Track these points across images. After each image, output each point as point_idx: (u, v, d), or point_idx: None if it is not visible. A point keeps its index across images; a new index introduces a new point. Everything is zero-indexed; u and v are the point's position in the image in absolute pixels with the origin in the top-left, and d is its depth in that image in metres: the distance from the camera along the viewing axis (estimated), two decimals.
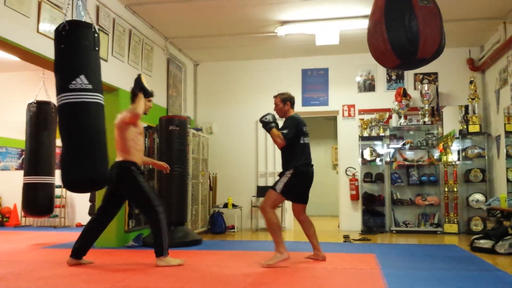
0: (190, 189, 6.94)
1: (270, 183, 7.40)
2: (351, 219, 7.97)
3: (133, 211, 6.06)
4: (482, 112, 7.60)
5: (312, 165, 4.70)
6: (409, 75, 8.03)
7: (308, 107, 8.33)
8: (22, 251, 5.59)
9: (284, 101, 4.78)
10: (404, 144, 7.83)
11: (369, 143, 8.03)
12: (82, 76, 3.52)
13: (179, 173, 6.16)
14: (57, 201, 6.91)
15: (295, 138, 4.56)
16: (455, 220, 7.37)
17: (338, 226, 8.22)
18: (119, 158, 4.46)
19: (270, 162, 8.28)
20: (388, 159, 7.88)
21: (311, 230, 4.72)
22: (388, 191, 7.82)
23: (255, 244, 6.49)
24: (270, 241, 6.71)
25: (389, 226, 7.71)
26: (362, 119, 8.02)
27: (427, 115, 7.69)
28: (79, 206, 8.90)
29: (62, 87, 3.51)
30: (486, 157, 7.48)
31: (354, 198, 7.98)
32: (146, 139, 6.46)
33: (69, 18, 4.94)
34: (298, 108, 8.12)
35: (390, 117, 7.91)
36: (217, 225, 7.62)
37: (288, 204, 8.16)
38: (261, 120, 4.64)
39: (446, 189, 7.48)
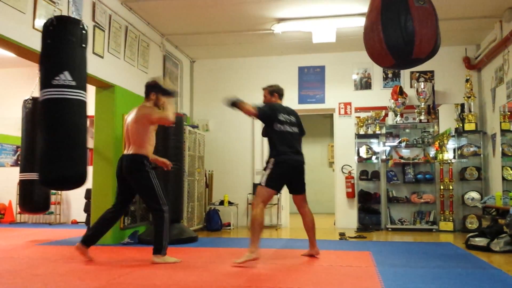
0: (186, 186, 6.93)
1: None
2: (347, 216, 7.99)
3: (128, 208, 6.05)
4: (478, 111, 7.62)
5: (298, 152, 4.61)
6: (405, 73, 8.04)
7: (305, 105, 8.33)
8: (17, 248, 5.57)
9: (271, 92, 4.79)
10: (400, 142, 7.84)
11: (365, 141, 8.05)
12: (66, 73, 3.49)
13: (175, 170, 6.14)
14: (52, 198, 6.88)
15: (269, 123, 4.55)
16: (451, 218, 7.39)
17: (334, 224, 8.23)
18: (130, 151, 4.48)
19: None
20: (384, 157, 7.90)
21: (310, 224, 4.69)
22: (384, 189, 7.84)
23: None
24: (265, 238, 6.72)
25: (384, 224, 7.73)
26: (359, 117, 8.03)
27: (423, 113, 7.70)
28: (74, 203, 8.87)
29: (45, 82, 3.49)
30: (482, 155, 7.50)
31: (350, 195, 7.99)
32: None
33: (65, 13, 4.94)
34: (295, 105, 8.11)
35: (386, 115, 7.92)
36: (213, 223, 7.62)
37: (284, 202, 8.19)
38: (228, 104, 4.52)
39: (442, 187, 7.50)
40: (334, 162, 8.59)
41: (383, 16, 3.03)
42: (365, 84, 8.17)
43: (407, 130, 7.97)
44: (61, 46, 3.57)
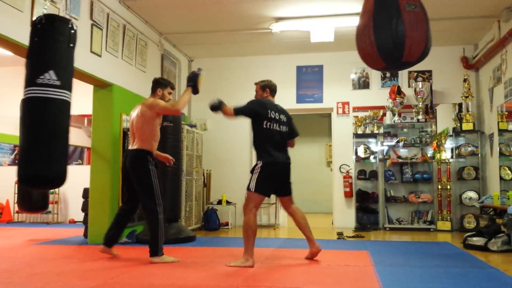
0: (184, 185, 6.93)
1: None
2: (345, 216, 7.99)
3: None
4: (475, 110, 7.63)
5: (285, 155, 4.46)
6: (403, 72, 8.04)
7: (303, 104, 8.32)
8: (15, 247, 5.56)
9: (263, 87, 4.61)
10: (398, 142, 7.85)
11: (363, 141, 8.05)
12: (52, 72, 3.46)
13: (173, 169, 6.14)
14: (50, 197, 6.88)
15: (254, 118, 4.38)
16: (448, 217, 7.40)
17: (332, 223, 8.24)
18: (135, 146, 4.52)
19: None
20: (382, 157, 7.90)
21: (302, 221, 4.53)
22: (381, 189, 7.84)
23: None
24: (263, 237, 6.73)
25: (382, 223, 7.73)
26: (356, 117, 8.03)
27: (421, 112, 7.71)
28: (72, 202, 8.86)
29: (29, 80, 3.47)
30: (479, 155, 7.51)
31: (348, 195, 8.00)
32: None
33: (63, 11, 4.93)
34: (293, 105, 8.13)
35: (384, 114, 7.93)
36: (211, 222, 7.62)
37: None
38: (211, 108, 4.42)
39: (440, 187, 7.51)
40: (332, 162, 8.60)
41: (375, 19, 3.06)
42: (363, 83, 8.17)
43: (405, 130, 7.97)
44: (48, 44, 3.54)
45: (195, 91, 4.59)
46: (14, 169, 6.27)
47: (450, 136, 7.64)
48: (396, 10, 2.98)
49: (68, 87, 3.60)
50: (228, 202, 7.86)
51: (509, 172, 6.65)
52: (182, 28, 7.26)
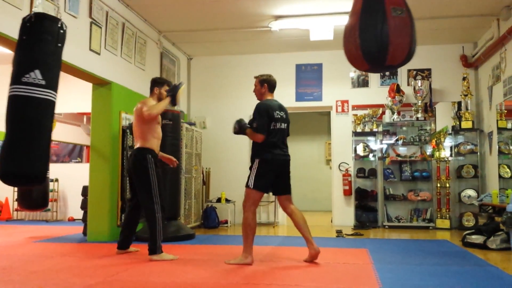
0: (183, 183, 6.93)
1: None
2: (344, 214, 7.99)
3: (125, 206, 6.04)
4: (474, 109, 7.63)
5: (284, 151, 4.38)
6: (402, 71, 8.04)
7: (302, 102, 8.32)
8: (14, 245, 5.56)
9: (262, 82, 4.51)
10: (397, 140, 7.85)
11: (362, 139, 8.05)
12: (37, 71, 3.46)
13: (172, 167, 6.13)
14: (49, 195, 6.87)
15: (268, 125, 4.30)
16: (447, 215, 7.41)
17: (331, 221, 8.24)
18: (137, 145, 4.62)
19: None
20: (381, 155, 7.90)
21: (300, 222, 4.37)
22: (380, 187, 7.85)
23: None
24: (262, 235, 6.73)
25: (381, 221, 7.74)
26: (356, 115, 8.03)
27: (420, 111, 7.71)
28: (71, 200, 8.86)
29: (15, 79, 3.47)
30: (479, 153, 7.52)
31: (347, 193, 8.00)
32: None
33: (61, 9, 4.93)
34: (292, 103, 8.13)
35: (383, 112, 7.93)
36: (210, 220, 7.62)
37: None
38: (235, 133, 4.45)
39: (439, 185, 7.51)
40: (331, 160, 8.60)
41: (361, 22, 3.13)
42: (362, 82, 8.17)
43: (404, 128, 7.97)
44: (35, 44, 3.53)
45: (173, 101, 4.64)
46: None
47: (449, 134, 7.64)
48: (382, 15, 3.05)
49: (53, 87, 3.59)
50: (227, 200, 7.86)
51: (508, 170, 6.66)
52: (181, 26, 7.25)
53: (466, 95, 7.51)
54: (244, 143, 8.35)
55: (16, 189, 7.70)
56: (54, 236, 6.36)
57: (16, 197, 7.93)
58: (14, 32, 4.24)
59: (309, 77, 8.37)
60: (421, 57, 7.98)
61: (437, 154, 7.51)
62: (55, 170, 8.00)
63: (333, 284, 3.54)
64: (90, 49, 5.51)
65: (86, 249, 5.19)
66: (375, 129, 7.91)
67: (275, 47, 8.16)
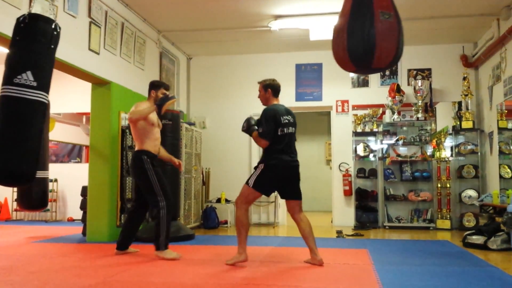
0: (183, 183, 6.92)
1: None
2: (344, 214, 7.98)
3: (125, 206, 6.03)
4: (475, 109, 7.62)
5: (292, 156, 4.30)
6: (402, 71, 8.03)
7: (302, 102, 8.31)
8: (13, 245, 5.55)
9: (266, 88, 4.45)
10: (397, 140, 7.84)
11: (363, 139, 8.04)
12: (29, 73, 3.45)
13: (171, 167, 6.11)
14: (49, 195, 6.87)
15: (275, 131, 4.24)
16: (448, 216, 7.39)
17: (331, 222, 8.23)
18: (136, 148, 4.73)
19: None
20: (381, 155, 7.89)
21: (307, 230, 4.24)
22: (381, 187, 7.83)
23: (248, 239, 6.46)
24: (262, 236, 6.73)
25: (382, 221, 7.72)
26: (356, 115, 8.02)
27: (420, 111, 7.70)
28: (70, 200, 8.85)
29: (7, 79, 3.47)
30: (479, 154, 7.50)
31: (347, 193, 7.99)
32: None
33: (60, 9, 4.91)
34: (292, 103, 8.11)
35: (383, 112, 7.92)
36: (210, 220, 7.61)
37: (281, 200, 8.16)
38: (243, 131, 4.43)
39: (439, 185, 7.50)
40: (331, 160, 8.59)
41: (350, 25, 3.17)
42: (362, 81, 8.16)
43: (405, 128, 7.96)
44: (28, 45, 3.52)
45: (159, 111, 4.65)
46: None
47: (450, 134, 7.63)
48: (370, 19, 3.09)
49: (45, 89, 3.58)
50: (227, 201, 7.85)
51: (508, 170, 6.64)
52: (180, 26, 7.23)
53: (466, 95, 7.50)
54: (244, 143, 8.34)
55: (15, 189, 7.68)
56: (53, 237, 6.35)
57: (15, 197, 7.91)
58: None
59: (309, 77, 8.36)
60: (421, 57, 7.98)
61: (437, 154, 7.50)
62: (54, 170, 7.98)
63: (333, 284, 3.53)
64: (89, 49, 5.50)
65: (85, 249, 5.18)
66: (375, 129, 7.90)
67: (275, 47, 8.15)
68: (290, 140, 4.31)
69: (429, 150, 7.69)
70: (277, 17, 6.79)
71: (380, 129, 7.89)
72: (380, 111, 7.92)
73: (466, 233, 5.64)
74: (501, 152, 6.75)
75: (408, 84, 7.96)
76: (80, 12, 5.29)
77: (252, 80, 8.40)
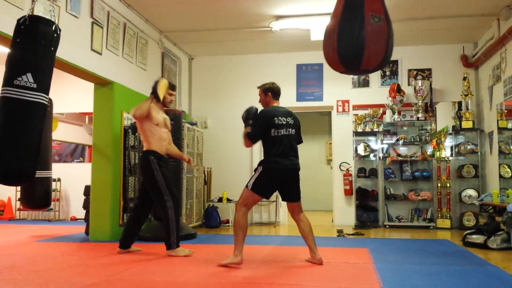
0: (184, 183, 6.95)
1: None
2: (345, 214, 8.01)
3: (127, 205, 6.07)
4: (475, 109, 7.64)
5: (291, 159, 4.25)
6: (403, 71, 8.05)
7: (303, 102, 8.33)
8: (17, 244, 5.58)
9: (265, 91, 4.46)
10: (397, 140, 7.86)
11: (363, 139, 8.06)
12: (29, 74, 3.48)
13: (173, 167, 6.15)
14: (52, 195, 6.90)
15: (264, 133, 4.25)
16: (448, 215, 7.42)
17: (332, 221, 8.25)
18: (144, 148, 4.79)
19: None
20: (381, 155, 7.92)
21: (306, 230, 4.27)
22: (381, 186, 7.86)
23: (249, 238, 6.44)
24: (263, 235, 6.76)
25: (382, 221, 7.75)
26: (356, 115, 8.04)
27: (420, 111, 7.72)
28: (73, 199, 8.87)
29: (7, 80, 3.50)
30: (479, 153, 7.52)
31: (348, 193, 8.01)
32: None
33: (63, 9, 4.95)
34: (293, 103, 8.14)
35: (384, 112, 7.94)
36: (211, 219, 7.64)
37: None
38: (242, 119, 4.48)
39: (439, 185, 7.53)
40: (332, 160, 8.61)
41: (340, 26, 3.21)
42: (363, 81, 8.18)
43: (405, 128, 7.98)
44: (28, 47, 3.54)
45: (157, 98, 4.72)
46: None
47: (450, 134, 7.65)
48: (360, 22, 3.14)
49: (45, 90, 3.61)
50: (228, 200, 7.88)
51: (508, 170, 6.66)
52: (182, 26, 7.26)
53: (466, 95, 7.52)
54: None
55: (19, 188, 7.71)
56: (57, 236, 6.38)
57: (18, 196, 7.94)
58: None
59: (310, 77, 8.39)
60: (421, 57, 8.01)
61: (437, 154, 7.52)
62: (57, 169, 8.02)
63: (334, 283, 3.56)
64: (92, 49, 5.53)
65: (88, 248, 5.21)
66: (375, 129, 7.92)
67: (276, 47, 8.17)
68: (288, 141, 4.26)
69: (429, 150, 7.72)
70: (278, 17, 6.82)
71: (381, 129, 7.92)
72: (381, 111, 7.94)
73: (466, 232, 5.67)
74: (501, 152, 6.77)
75: (409, 84, 7.99)
76: (82, 13, 5.33)
77: (253, 80, 8.39)
